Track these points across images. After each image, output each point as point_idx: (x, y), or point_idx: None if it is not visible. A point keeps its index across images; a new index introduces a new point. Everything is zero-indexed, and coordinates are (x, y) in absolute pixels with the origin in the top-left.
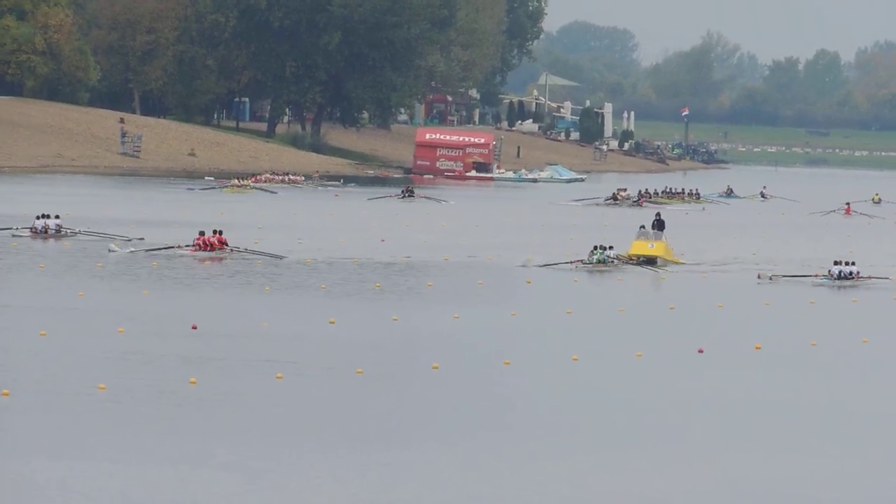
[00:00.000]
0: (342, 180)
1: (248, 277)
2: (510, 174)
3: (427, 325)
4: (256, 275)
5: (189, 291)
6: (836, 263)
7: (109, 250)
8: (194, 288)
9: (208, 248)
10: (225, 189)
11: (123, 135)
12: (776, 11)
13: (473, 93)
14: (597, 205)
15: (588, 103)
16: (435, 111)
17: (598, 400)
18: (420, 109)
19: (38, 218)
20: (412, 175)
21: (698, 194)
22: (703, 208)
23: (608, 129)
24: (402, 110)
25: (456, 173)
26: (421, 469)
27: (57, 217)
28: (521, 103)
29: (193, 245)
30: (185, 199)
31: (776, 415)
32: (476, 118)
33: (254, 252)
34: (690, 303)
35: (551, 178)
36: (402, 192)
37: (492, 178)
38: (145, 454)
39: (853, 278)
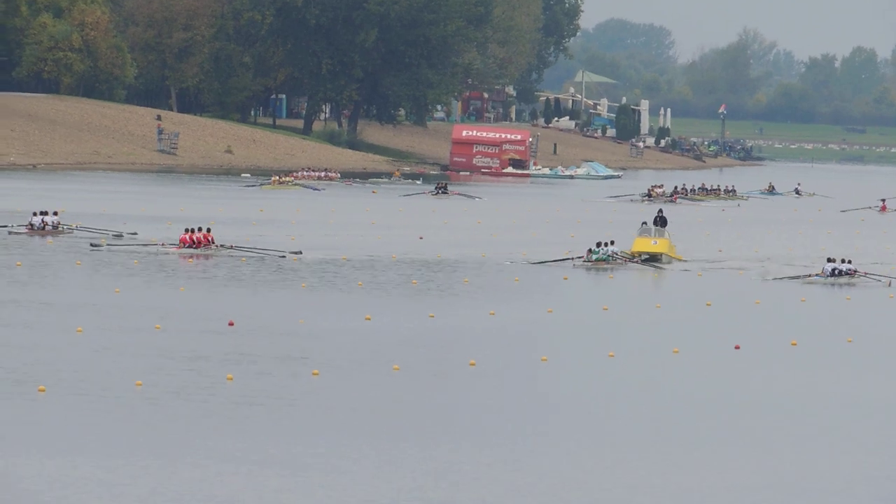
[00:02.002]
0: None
1: (285, 274)
2: (546, 171)
3: (463, 321)
4: (293, 271)
5: (226, 288)
6: (829, 261)
7: (91, 245)
8: (231, 284)
9: (195, 245)
10: (264, 185)
11: (160, 132)
12: (812, 8)
13: (510, 90)
14: (632, 201)
15: (624, 100)
16: (471, 108)
17: (636, 396)
18: (457, 106)
19: (35, 214)
20: (448, 171)
21: (734, 191)
22: (739, 205)
23: (644, 126)
24: (439, 107)
25: (492, 170)
26: (458, 465)
27: (55, 213)
28: (557, 100)
29: (179, 242)
30: (226, 195)
31: (814, 410)
32: (512, 115)
33: (241, 248)
34: (727, 299)
35: (588, 174)
36: (436, 188)
37: (528, 175)
38: (182, 450)
39: (849, 275)
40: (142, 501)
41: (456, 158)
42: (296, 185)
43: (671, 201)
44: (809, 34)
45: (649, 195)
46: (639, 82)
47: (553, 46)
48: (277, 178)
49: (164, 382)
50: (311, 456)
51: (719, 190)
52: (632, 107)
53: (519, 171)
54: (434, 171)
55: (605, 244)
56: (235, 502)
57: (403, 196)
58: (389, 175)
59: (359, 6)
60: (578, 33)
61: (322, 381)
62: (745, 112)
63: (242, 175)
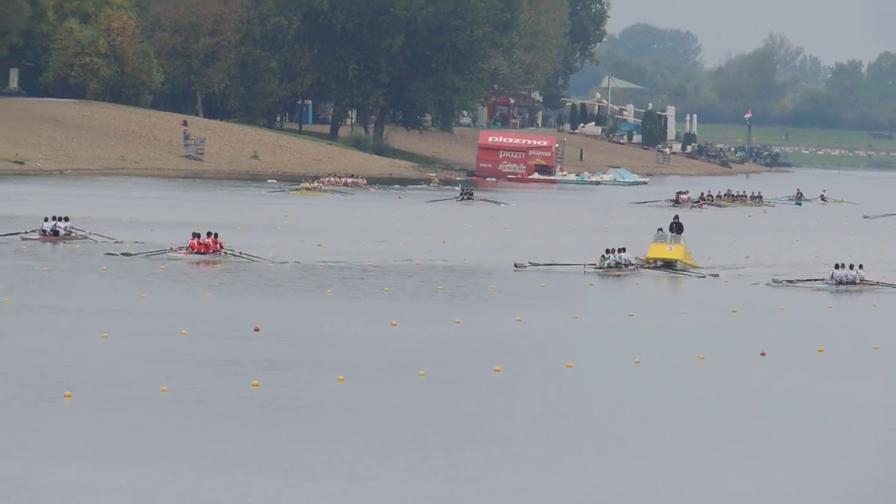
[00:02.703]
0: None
1: (311, 280)
2: (573, 177)
3: (489, 327)
4: (319, 277)
5: (251, 294)
6: (837, 267)
7: (106, 253)
8: (257, 290)
9: (203, 251)
10: (293, 191)
11: (186, 137)
12: (839, 14)
13: (536, 95)
14: (658, 207)
15: (651, 106)
16: (498, 114)
17: (661, 403)
18: (483, 112)
19: (46, 220)
20: (475, 177)
21: (761, 197)
22: (765, 211)
23: (671, 131)
24: (465, 113)
25: (518, 176)
26: (482, 471)
27: (66, 219)
28: (583, 106)
29: (187, 247)
30: (255, 201)
31: (840, 416)
32: (539, 121)
33: (249, 256)
34: (752, 306)
35: (614, 180)
36: (461, 194)
37: (554, 181)
38: (207, 456)
39: (857, 283)
40: None
41: (482, 164)
42: (324, 190)
43: (697, 207)
44: (836, 40)
45: (676, 201)
46: (665, 88)
47: (579, 52)
48: (307, 183)
49: (189, 388)
50: (336, 463)
51: (745, 196)
52: (658, 113)
53: (545, 177)
54: (460, 177)
55: (616, 251)
56: None
57: (429, 202)
58: (428, 182)
59: (385, 11)
60: (605, 39)
61: (348, 387)
62: (771, 118)
63: (268, 181)
